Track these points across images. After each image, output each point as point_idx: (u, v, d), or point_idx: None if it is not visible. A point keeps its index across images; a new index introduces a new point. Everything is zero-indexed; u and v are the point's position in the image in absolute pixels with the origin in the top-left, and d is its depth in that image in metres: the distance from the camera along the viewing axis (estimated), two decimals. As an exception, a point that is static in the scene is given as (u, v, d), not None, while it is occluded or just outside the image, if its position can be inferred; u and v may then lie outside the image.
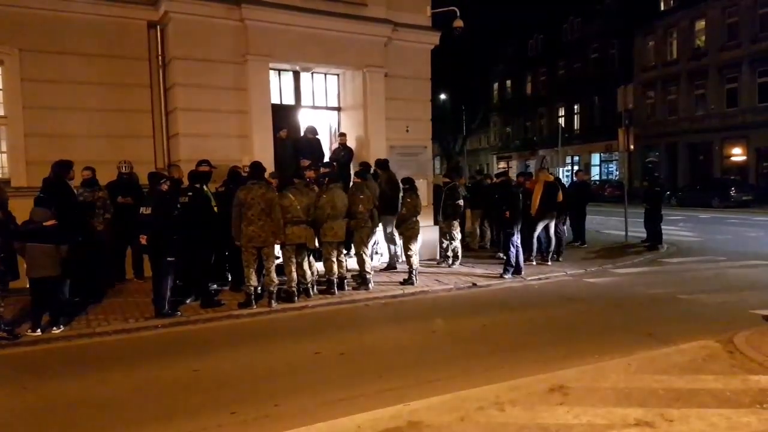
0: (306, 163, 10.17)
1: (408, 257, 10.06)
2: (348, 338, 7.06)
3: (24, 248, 7.08)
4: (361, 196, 9.56)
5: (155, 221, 7.69)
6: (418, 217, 10.34)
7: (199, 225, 8.32)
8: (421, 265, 10.56)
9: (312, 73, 12.49)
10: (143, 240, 7.77)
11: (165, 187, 8.03)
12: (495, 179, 13.36)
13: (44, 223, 7.07)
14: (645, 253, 13.47)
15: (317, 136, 11.62)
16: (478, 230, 14.35)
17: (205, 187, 8.68)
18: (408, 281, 9.92)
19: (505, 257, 10.85)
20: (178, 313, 7.97)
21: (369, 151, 12.10)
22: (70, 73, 10.03)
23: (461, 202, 11.94)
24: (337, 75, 12.81)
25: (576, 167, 39.17)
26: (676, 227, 18.61)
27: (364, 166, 10.84)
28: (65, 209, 7.75)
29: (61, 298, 7.38)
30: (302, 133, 11.74)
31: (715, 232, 17.66)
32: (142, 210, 7.81)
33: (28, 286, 7.18)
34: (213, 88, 10.63)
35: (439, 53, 13.97)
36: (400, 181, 10.70)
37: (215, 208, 8.62)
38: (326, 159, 11.47)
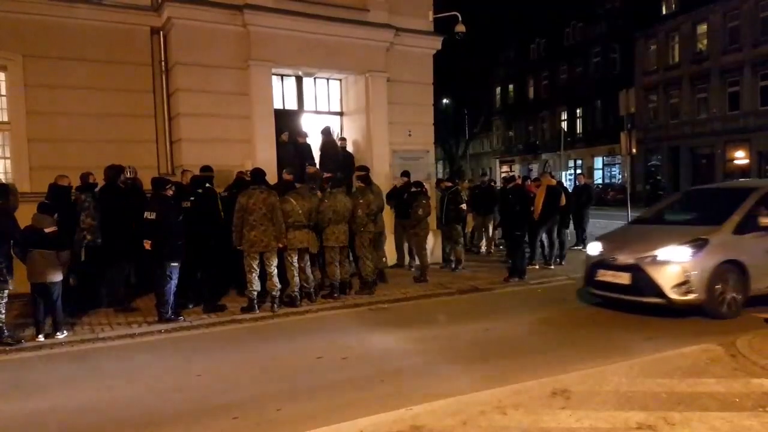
0: (312, 169, 10.26)
1: (422, 256, 10.61)
2: (350, 342, 7.06)
3: (25, 254, 7.09)
4: (361, 201, 9.58)
5: (160, 226, 7.72)
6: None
7: (201, 229, 8.35)
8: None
9: (314, 78, 12.53)
10: (147, 245, 7.79)
11: (171, 192, 8.06)
12: (506, 184, 13.43)
13: (45, 230, 7.09)
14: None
15: (307, 140, 11.65)
16: (489, 234, 14.36)
17: (209, 185, 8.77)
18: (422, 278, 10.40)
19: (511, 261, 10.94)
20: (181, 317, 8.00)
21: (371, 155, 12.14)
22: (73, 78, 10.08)
23: (464, 206, 11.97)
24: (340, 80, 12.85)
25: (579, 171, 39.17)
26: (679, 231, 18.51)
27: (366, 170, 10.85)
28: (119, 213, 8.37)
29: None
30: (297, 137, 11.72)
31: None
32: (147, 215, 7.83)
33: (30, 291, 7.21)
34: (215, 94, 10.68)
35: (442, 57, 14.01)
36: (412, 183, 11.04)
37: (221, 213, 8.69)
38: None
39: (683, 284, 7.39)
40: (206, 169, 9.07)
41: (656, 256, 7.62)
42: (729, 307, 7.55)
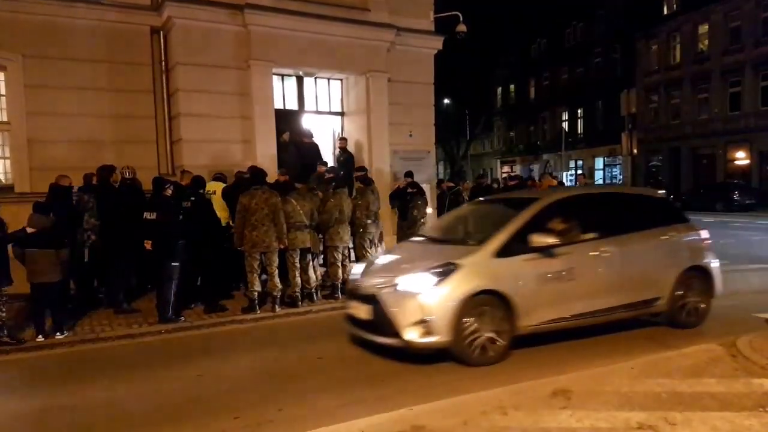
0: (323, 168, 10.26)
1: None
2: (351, 343, 7.05)
3: (24, 254, 7.06)
4: (359, 202, 9.58)
5: (160, 226, 7.72)
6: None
7: (201, 230, 8.35)
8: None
9: (315, 78, 12.53)
10: (148, 245, 7.79)
11: (169, 192, 8.06)
12: (510, 182, 13.47)
13: (41, 229, 7.05)
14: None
15: (313, 140, 11.68)
16: None
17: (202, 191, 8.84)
18: None
19: None
20: (182, 318, 7.99)
21: (372, 156, 12.13)
22: (73, 78, 10.09)
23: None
24: (340, 80, 12.84)
25: (580, 171, 39.18)
26: (680, 231, 18.47)
27: (365, 170, 10.84)
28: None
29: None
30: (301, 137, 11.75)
31: (719, 236, 17.42)
32: (147, 215, 7.83)
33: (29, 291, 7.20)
34: (216, 94, 10.69)
35: (443, 57, 14.00)
36: (408, 184, 11.01)
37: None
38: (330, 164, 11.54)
39: (422, 322, 5.78)
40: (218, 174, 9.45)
41: (396, 285, 6.07)
42: (483, 351, 5.89)
